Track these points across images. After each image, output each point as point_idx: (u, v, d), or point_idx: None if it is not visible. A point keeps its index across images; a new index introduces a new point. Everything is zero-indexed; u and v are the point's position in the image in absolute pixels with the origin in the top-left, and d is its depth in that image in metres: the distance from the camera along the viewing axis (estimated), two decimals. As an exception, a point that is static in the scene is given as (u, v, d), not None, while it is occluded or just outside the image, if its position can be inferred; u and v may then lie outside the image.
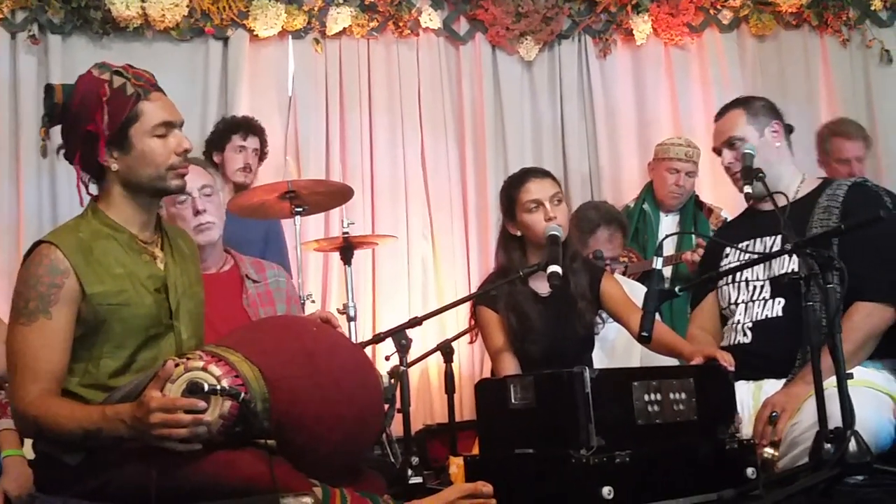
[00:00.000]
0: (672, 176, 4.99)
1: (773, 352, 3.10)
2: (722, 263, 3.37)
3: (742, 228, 3.40)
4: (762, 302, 3.20)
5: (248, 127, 4.79)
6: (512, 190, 3.47)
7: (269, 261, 3.53)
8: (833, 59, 5.94)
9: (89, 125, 2.42)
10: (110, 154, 2.45)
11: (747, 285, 3.25)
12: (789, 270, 3.13)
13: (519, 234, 3.45)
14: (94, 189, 2.53)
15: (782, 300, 3.15)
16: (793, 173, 3.32)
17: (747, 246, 3.30)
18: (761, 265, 3.20)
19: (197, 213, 3.18)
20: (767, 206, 3.25)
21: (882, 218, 2.75)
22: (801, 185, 3.29)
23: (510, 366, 3.37)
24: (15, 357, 2.36)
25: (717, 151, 3.38)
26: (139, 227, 2.51)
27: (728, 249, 3.37)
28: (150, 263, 2.50)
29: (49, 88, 2.49)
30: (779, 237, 3.19)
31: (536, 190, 3.41)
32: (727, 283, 3.30)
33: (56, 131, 2.53)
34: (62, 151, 2.52)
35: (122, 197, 2.48)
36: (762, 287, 3.21)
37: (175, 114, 2.50)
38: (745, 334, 3.20)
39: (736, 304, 3.27)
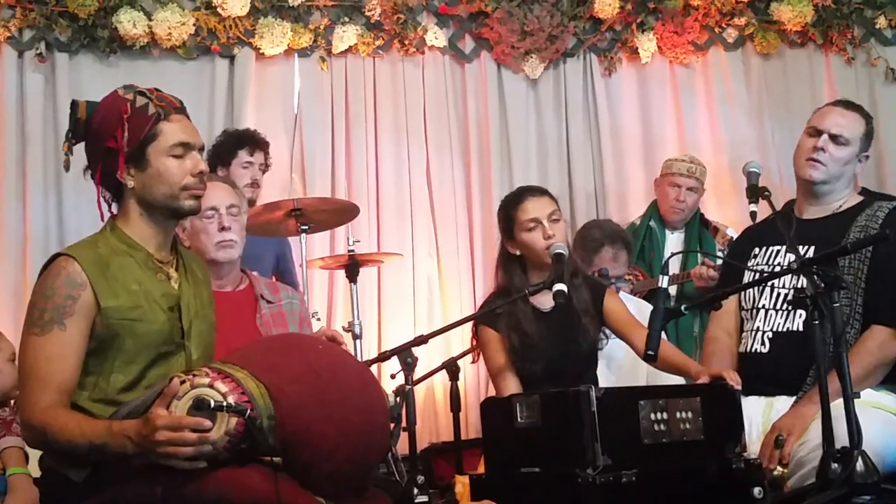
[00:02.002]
0: (673, 191, 5.01)
1: (787, 366, 3.08)
2: (749, 263, 3.32)
3: (774, 231, 3.27)
4: (784, 312, 3.17)
5: (255, 142, 4.74)
6: (510, 209, 3.48)
7: (283, 279, 3.55)
8: (838, 77, 5.93)
9: (109, 142, 2.46)
10: (128, 171, 2.47)
11: (772, 290, 3.22)
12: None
13: (518, 253, 3.46)
14: (114, 208, 2.55)
15: (803, 313, 3.10)
16: (847, 195, 3.31)
17: (776, 251, 3.27)
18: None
19: (222, 229, 3.24)
20: (808, 215, 3.25)
21: (887, 236, 2.75)
22: (845, 201, 3.28)
23: (511, 386, 3.37)
24: (27, 366, 2.37)
25: (813, 131, 3.28)
26: (156, 246, 2.53)
27: (757, 249, 3.34)
28: (165, 282, 2.52)
29: (74, 105, 2.54)
30: (811, 248, 3.13)
31: (534, 209, 3.42)
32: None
33: (78, 150, 2.56)
34: (88, 172, 2.55)
35: (139, 215, 2.51)
36: (786, 295, 3.18)
37: (194, 136, 2.53)
38: (763, 343, 3.18)
39: (757, 308, 3.23)
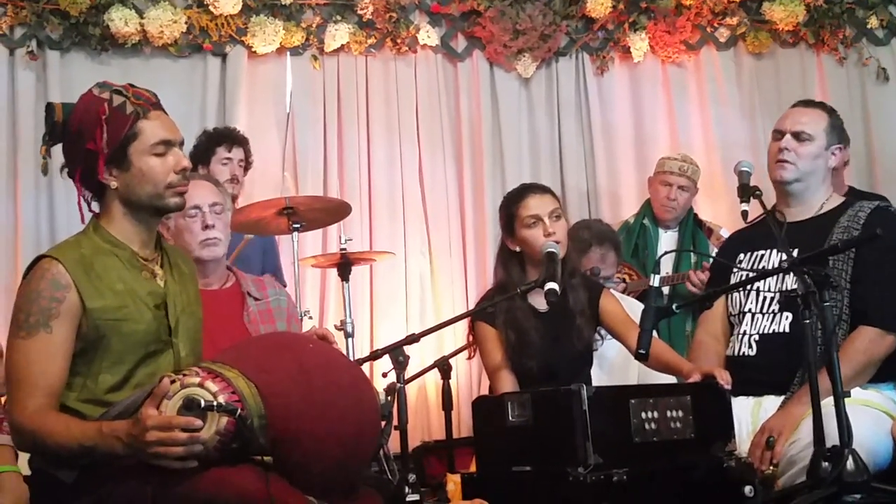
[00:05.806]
0: (664, 189, 5.01)
1: (776, 367, 3.10)
2: (735, 269, 3.34)
3: (760, 236, 3.34)
4: (770, 315, 3.19)
5: (232, 138, 4.76)
6: (511, 205, 3.49)
7: (265, 276, 3.56)
8: (830, 77, 5.95)
9: (89, 143, 2.43)
10: (109, 172, 2.46)
11: (758, 295, 3.24)
12: (796, 286, 3.13)
13: (518, 249, 3.47)
14: (95, 206, 2.54)
15: (790, 315, 3.14)
16: (825, 192, 3.32)
17: (762, 256, 3.29)
18: (774, 276, 3.20)
19: (206, 227, 3.24)
20: (790, 218, 3.24)
21: (879, 235, 2.77)
22: (827, 201, 3.30)
23: (507, 383, 3.37)
24: (14, 370, 2.36)
25: (777, 134, 3.33)
26: (140, 244, 2.51)
27: (742, 255, 3.36)
28: (151, 280, 2.50)
29: (49, 107, 2.50)
30: (795, 250, 3.14)
31: (536, 206, 3.43)
32: (738, 290, 3.29)
33: (57, 150, 2.54)
34: (66, 170, 2.53)
35: (122, 214, 2.49)
36: (772, 299, 3.20)
37: (175, 132, 2.51)
38: (750, 346, 3.19)
39: (744, 312, 3.25)
